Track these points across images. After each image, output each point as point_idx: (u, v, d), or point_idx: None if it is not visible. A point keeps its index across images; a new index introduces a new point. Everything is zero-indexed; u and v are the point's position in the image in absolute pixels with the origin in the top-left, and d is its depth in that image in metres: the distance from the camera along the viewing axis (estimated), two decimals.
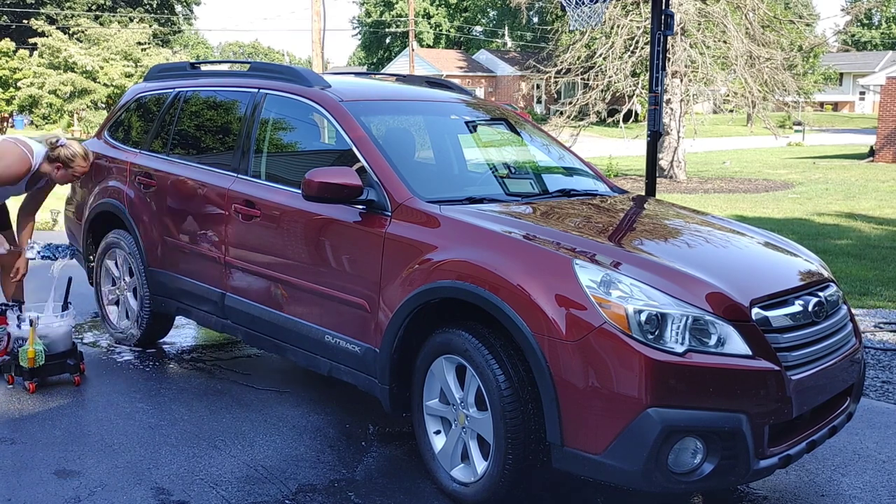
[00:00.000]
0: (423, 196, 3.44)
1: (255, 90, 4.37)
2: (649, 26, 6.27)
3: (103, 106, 28.15)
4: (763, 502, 3.27)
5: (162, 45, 34.02)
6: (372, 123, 3.86)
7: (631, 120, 22.65)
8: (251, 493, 3.24)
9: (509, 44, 59.53)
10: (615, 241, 3.26)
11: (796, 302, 3.01)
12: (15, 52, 29.75)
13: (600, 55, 17.26)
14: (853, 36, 69.86)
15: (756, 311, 2.84)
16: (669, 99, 16.58)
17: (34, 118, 33.66)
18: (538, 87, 51.77)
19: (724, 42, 16.90)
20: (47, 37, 26.42)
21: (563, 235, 3.14)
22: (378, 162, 3.60)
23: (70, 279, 4.78)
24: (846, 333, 3.22)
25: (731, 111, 23.54)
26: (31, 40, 27.59)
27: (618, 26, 16.63)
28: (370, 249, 3.45)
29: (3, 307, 4.80)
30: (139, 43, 28.25)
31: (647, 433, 2.61)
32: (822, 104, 56.40)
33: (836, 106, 59.98)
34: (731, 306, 2.80)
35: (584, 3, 6.59)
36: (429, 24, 64.45)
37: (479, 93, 40.22)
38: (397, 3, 63.61)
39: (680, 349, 2.68)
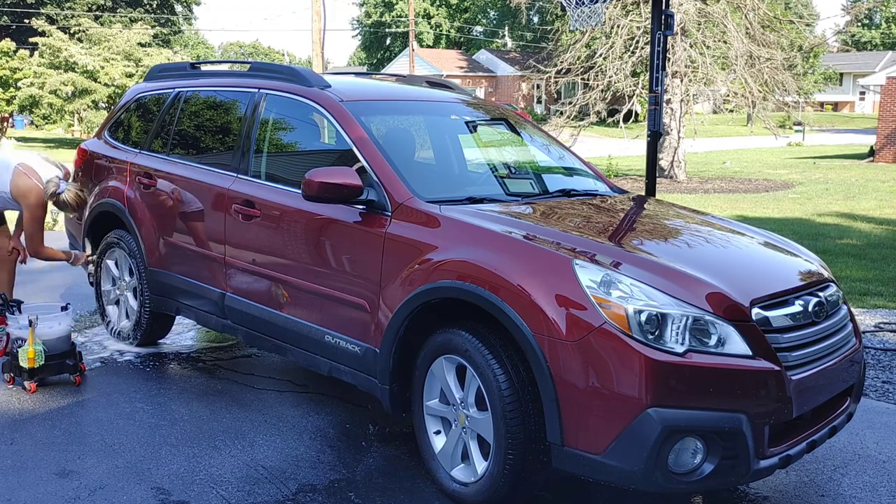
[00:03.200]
0: (423, 196, 3.44)
1: (256, 90, 4.37)
2: (649, 26, 6.27)
3: (104, 106, 28.12)
4: (763, 502, 3.26)
5: (163, 46, 33.99)
6: (372, 123, 3.85)
7: (631, 120, 22.65)
8: (251, 493, 3.24)
9: (509, 44, 59.54)
10: (615, 241, 3.26)
11: (796, 302, 3.01)
12: (15, 52, 29.73)
13: (600, 55, 17.26)
14: (853, 36, 69.88)
15: (756, 311, 2.84)
16: (669, 99, 16.58)
17: (34, 118, 33.64)
18: (538, 87, 51.78)
19: (724, 42, 16.90)
20: (48, 37, 26.41)
21: (563, 235, 3.14)
22: (378, 162, 3.60)
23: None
24: (846, 333, 3.21)
25: (731, 111, 23.55)
26: (32, 40, 27.57)
27: (618, 26, 16.63)
28: (370, 249, 3.45)
29: (2, 308, 4.80)
30: (140, 43, 28.22)
31: (647, 433, 2.61)
32: (822, 104, 56.40)
33: (836, 106, 59.99)
34: (731, 306, 2.80)
35: (584, 3, 6.59)
36: (429, 24, 64.46)
37: (480, 93, 40.25)
38: (397, 3, 63.62)
39: (680, 349, 2.68)
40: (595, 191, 4.23)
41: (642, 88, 16.94)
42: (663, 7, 5.74)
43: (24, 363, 4.30)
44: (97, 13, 36.20)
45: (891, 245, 9.10)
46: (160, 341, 5.27)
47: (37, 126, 37.54)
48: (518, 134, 4.69)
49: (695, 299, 2.77)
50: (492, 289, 2.93)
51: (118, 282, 5.22)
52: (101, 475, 3.38)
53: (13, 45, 29.74)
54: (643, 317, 2.69)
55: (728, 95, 18.09)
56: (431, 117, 4.65)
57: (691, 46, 16.74)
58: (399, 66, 51.07)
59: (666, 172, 17.15)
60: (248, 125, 4.31)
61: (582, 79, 17.88)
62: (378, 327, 3.39)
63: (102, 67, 25.91)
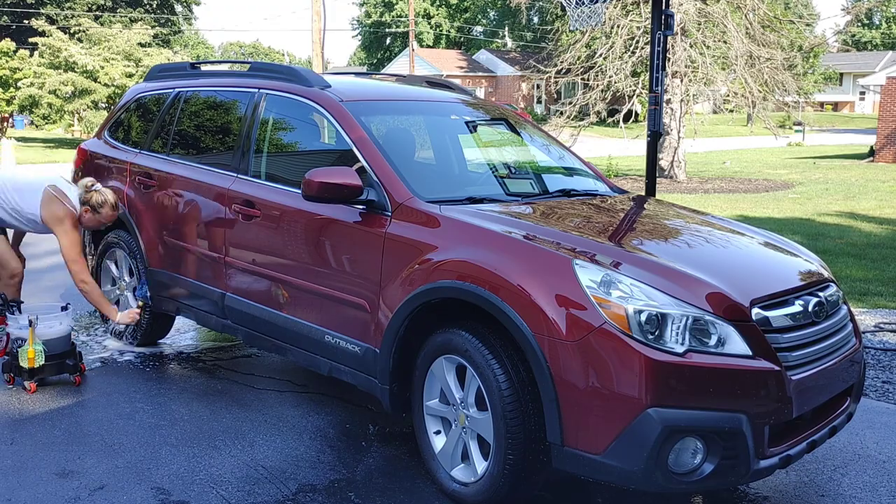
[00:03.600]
0: (423, 196, 3.44)
1: (255, 90, 4.37)
2: (649, 26, 6.27)
3: (104, 106, 28.10)
4: (763, 502, 3.26)
5: (163, 46, 33.99)
6: (372, 123, 3.85)
7: (631, 120, 22.65)
8: (251, 493, 3.24)
9: (509, 44, 59.57)
10: (615, 241, 3.26)
11: (796, 302, 3.01)
12: (15, 52, 29.73)
13: (600, 55, 17.25)
14: (853, 36, 69.91)
15: (756, 311, 2.84)
16: (669, 99, 16.57)
17: (34, 118, 33.60)
18: (538, 87, 51.78)
19: (724, 42, 16.90)
20: (48, 37, 26.40)
21: (563, 235, 3.14)
22: (378, 162, 3.60)
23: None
24: (846, 333, 3.22)
25: (731, 111, 23.54)
26: (32, 40, 27.56)
27: (618, 26, 16.63)
28: (370, 249, 3.45)
29: (2, 308, 4.80)
30: (140, 43, 28.22)
31: (647, 433, 2.61)
32: (822, 104, 56.42)
33: (836, 106, 60.01)
34: (731, 306, 2.80)
35: (584, 3, 6.59)
36: (429, 24, 64.48)
37: (480, 93, 40.22)
38: (397, 3, 63.62)
39: (680, 349, 2.68)
40: (595, 191, 4.23)
41: (642, 88, 16.94)
42: (663, 7, 5.74)
43: (24, 363, 4.30)
44: (97, 13, 36.20)
45: (891, 245, 9.10)
46: (160, 341, 5.28)
47: (37, 126, 37.52)
48: (518, 134, 4.69)
49: (695, 299, 2.78)
50: (492, 289, 2.93)
51: (118, 282, 5.22)
52: (101, 475, 3.38)
53: (13, 45, 29.73)
54: (643, 317, 2.69)
55: (728, 95, 18.09)
56: (431, 117, 4.65)
57: (691, 46, 16.73)
58: (399, 66, 51.06)
59: (666, 172, 17.15)
60: (248, 125, 4.31)
61: (582, 79, 17.87)
62: (378, 327, 3.39)
63: (102, 67, 25.89)
